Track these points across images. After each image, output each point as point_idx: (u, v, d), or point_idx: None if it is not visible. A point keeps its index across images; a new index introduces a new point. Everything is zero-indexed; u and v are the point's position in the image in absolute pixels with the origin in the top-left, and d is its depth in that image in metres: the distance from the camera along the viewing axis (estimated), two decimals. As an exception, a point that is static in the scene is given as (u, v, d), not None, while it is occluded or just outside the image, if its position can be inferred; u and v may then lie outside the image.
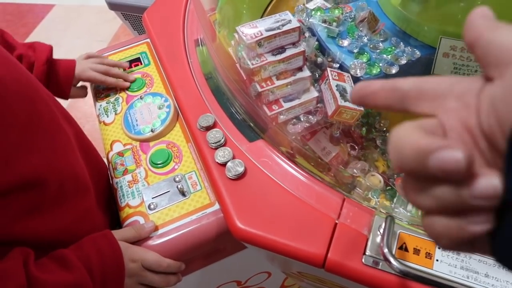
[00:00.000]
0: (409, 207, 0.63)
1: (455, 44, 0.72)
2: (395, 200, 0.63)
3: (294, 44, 0.75)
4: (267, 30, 0.72)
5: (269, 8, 1.11)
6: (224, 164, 0.67)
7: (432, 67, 0.77)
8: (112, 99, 0.85)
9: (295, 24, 0.72)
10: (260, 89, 0.73)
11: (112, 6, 1.25)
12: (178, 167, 0.72)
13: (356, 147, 0.79)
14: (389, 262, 0.48)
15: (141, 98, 0.83)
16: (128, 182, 0.71)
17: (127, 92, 0.86)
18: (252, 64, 0.72)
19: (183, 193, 0.68)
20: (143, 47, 0.96)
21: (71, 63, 0.84)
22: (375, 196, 0.69)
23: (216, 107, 0.78)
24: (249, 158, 0.68)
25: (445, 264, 0.53)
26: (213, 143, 0.70)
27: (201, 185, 0.70)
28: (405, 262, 0.51)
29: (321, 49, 0.85)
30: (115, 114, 0.83)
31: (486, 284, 0.51)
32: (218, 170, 0.67)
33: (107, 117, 0.83)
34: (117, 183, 0.72)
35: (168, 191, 0.69)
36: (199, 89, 0.82)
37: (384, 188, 0.71)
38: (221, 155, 0.68)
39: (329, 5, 0.93)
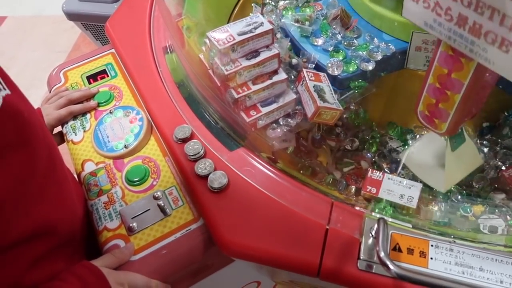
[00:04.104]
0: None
1: (427, 38, 0.72)
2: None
3: (267, 46, 0.73)
4: (239, 35, 0.69)
5: (236, 10, 1.09)
6: (205, 177, 0.64)
7: (405, 61, 0.78)
8: (79, 115, 0.80)
9: (267, 26, 0.70)
10: (236, 95, 0.71)
11: (71, 17, 1.19)
12: (157, 183, 0.69)
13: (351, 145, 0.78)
14: (387, 267, 0.47)
15: (110, 112, 0.79)
16: (104, 203, 0.67)
17: (96, 108, 0.81)
18: (227, 70, 0.69)
19: (164, 211, 0.65)
20: (108, 58, 0.91)
21: (38, 113, 0.79)
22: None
23: (191, 116, 0.75)
24: (231, 168, 0.66)
25: (439, 261, 0.53)
26: (192, 155, 0.67)
27: (182, 201, 0.66)
28: (401, 264, 0.50)
29: (295, 49, 0.84)
30: (84, 131, 0.78)
31: (482, 278, 0.51)
32: (200, 183, 0.64)
33: (75, 135, 0.78)
34: (92, 205, 0.68)
35: (148, 210, 0.65)
36: (172, 99, 0.78)
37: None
38: (202, 167, 0.65)
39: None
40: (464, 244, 0.54)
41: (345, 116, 0.78)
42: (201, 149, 0.67)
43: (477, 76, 0.50)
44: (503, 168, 0.69)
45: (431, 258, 0.53)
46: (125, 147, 0.73)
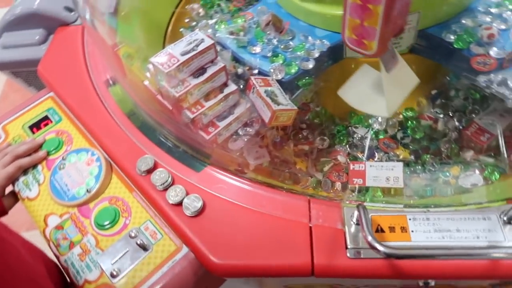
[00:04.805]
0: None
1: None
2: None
3: (212, 61, 0.73)
4: (182, 55, 0.69)
5: (169, 30, 1.08)
6: (179, 203, 0.63)
7: (343, 52, 0.81)
8: (30, 169, 0.75)
9: (208, 41, 0.70)
10: (192, 115, 0.70)
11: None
12: (130, 221, 0.66)
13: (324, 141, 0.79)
14: (377, 250, 0.48)
15: (63, 159, 0.75)
16: (78, 255, 0.64)
17: (46, 157, 0.77)
18: (177, 92, 0.68)
19: (144, 248, 0.63)
20: (48, 103, 0.86)
21: None
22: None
23: (150, 145, 0.73)
24: (203, 189, 0.65)
25: (420, 232, 0.55)
26: (161, 184, 0.66)
27: (161, 233, 0.64)
28: (388, 243, 0.52)
29: (236, 60, 0.84)
30: (39, 185, 0.73)
31: (460, 238, 0.54)
32: (175, 211, 0.63)
33: (30, 190, 0.73)
34: (65, 260, 0.64)
35: (127, 251, 0.63)
36: (125, 132, 0.76)
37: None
38: (173, 194, 0.64)
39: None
40: (437, 211, 0.57)
41: (306, 117, 0.79)
42: (169, 177, 0.66)
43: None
44: (462, 127, 0.73)
45: (412, 231, 0.56)
46: (88, 191, 0.69)
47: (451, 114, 0.77)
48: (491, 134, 0.68)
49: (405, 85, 0.65)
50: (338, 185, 0.68)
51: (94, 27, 0.78)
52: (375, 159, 0.72)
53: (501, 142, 0.63)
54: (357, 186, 0.64)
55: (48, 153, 0.77)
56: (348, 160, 0.73)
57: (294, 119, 0.74)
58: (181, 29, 0.97)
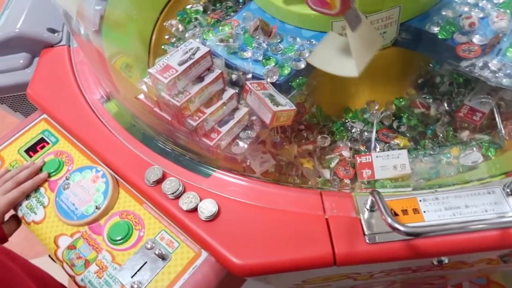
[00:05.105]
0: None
1: (345, 24, 0.78)
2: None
3: (209, 69, 0.74)
4: (180, 64, 0.70)
5: (153, 38, 1.08)
6: (194, 210, 0.63)
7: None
8: (32, 193, 0.74)
9: (204, 49, 0.71)
10: (194, 123, 0.70)
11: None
12: (144, 233, 0.66)
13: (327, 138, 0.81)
14: (398, 230, 0.50)
15: (67, 179, 0.74)
16: (95, 273, 0.63)
17: (47, 179, 0.75)
18: (178, 101, 0.69)
19: (163, 257, 0.62)
20: (42, 125, 0.85)
21: None
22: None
23: (155, 157, 0.73)
24: (216, 193, 0.65)
25: (432, 212, 0.58)
26: (172, 193, 0.66)
27: (177, 241, 0.64)
28: (406, 224, 0.54)
29: (228, 67, 0.85)
30: (44, 207, 0.72)
31: (470, 213, 0.57)
32: (191, 218, 0.63)
33: (36, 214, 0.72)
34: (82, 279, 0.63)
35: (146, 262, 0.62)
36: (127, 145, 0.76)
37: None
38: (187, 201, 0.64)
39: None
40: (444, 190, 0.60)
41: (303, 119, 0.81)
42: (179, 185, 0.66)
43: None
44: (453, 110, 0.77)
45: (424, 212, 0.58)
46: (97, 208, 0.69)
47: (440, 99, 0.81)
48: (482, 112, 0.72)
49: (371, 45, 0.66)
50: (348, 181, 0.70)
51: (89, 42, 0.78)
52: (378, 150, 0.75)
53: (497, 117, 0.67)
54: (366, 178, 0.66)
55: (49, 175, 0.76)
56: (352, 154, 0.76)
57: (293, 121, 0.76)
58: (163, 46, 0.97)
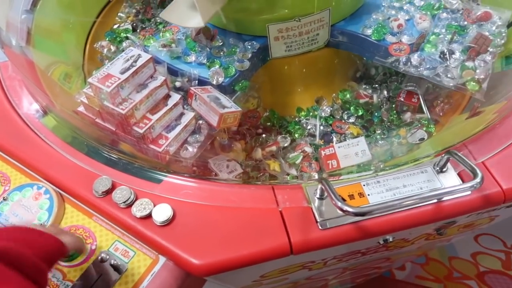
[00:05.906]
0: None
1: (281, 27, 0.82)
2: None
3: (152, 76, 0.74)
4: (122, 73, 0.69)
5: (87, 47, 1.04)
6: (148, 216, 0.63)
7: (269, 53, 0.87)
8: (-35, 219, 0.68)
9: (146, 56, 0.71)
10: (141, 131, 0.70)
11: None
12: (96, 246, 0.63)
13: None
14: (347, 211, 0.54)
15: (4, 199, 0.69)
16: (45, 294, 0.59)
17: (-19, 202, 0.70)
18: (123, 109, 0.68)
19: (119, 268, 0.61)
20: (-30, 146, 0.78)
21: None
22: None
23: (101, 167, 0.71)
24: (169, 198, 0.65)
25: (375, 194, 0.63)
26: (123, 202, 0.64)
27: (133, 250, 0.63)
28: (355, 206, 0.58)
29: (172, 73, 0.85)
30: (-20, 232, 0.67)
31: (408, 192, 0.63)
32: (145, 224, 0.62)
33: (-29, 240, 0.66)
34: (31, 303, 0.59)
35: (101, 275, 0.60)
36: (70, 159, 0.73)
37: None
38: (140, 209, 0.63)
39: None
40: (384, 174, 0.66)
41: (259, 123, 0.84)
42: (131, 193, 0.65)
43: None
44: (391, 96, 0.86)
45: (369, 195, 0.63)
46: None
47: (379, 88, 0.89)
48: (418, 94, 0.81)
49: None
50: (315, 175, 0.73)
51: (22, 54, 0.74)
52: (335, 142, 0.79)
53: (422, 102, 0.76)
54: (332, 168, 0.69)
55: (-18, 198, 0.71)
56: (313, 149, 0.80)
57: (250, 126, 0.78)
58: (99, 57, 0.95)
